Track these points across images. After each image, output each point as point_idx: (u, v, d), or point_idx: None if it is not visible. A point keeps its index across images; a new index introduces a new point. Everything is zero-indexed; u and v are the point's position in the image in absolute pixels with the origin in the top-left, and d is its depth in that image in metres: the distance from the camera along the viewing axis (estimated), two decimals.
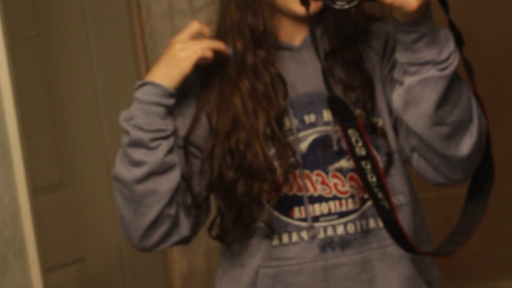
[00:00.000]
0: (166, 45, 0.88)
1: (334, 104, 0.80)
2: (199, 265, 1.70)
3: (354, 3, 0.75)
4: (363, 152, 0.78)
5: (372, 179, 0.78)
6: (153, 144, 0.82)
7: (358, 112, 0.86)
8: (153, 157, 0.82)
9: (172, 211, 0.83)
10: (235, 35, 0.88)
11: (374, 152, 0.81)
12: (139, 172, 0.82)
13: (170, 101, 0.84)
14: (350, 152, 0.79)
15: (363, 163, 0.79)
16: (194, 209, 0.86)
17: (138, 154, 0.82)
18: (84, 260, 1.76)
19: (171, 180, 0.83)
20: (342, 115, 0.79)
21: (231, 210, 0.86)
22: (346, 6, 0.74)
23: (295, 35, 0.91)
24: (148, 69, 1.52)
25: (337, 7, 0.75)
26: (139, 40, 1.85)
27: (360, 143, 0.78)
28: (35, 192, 1.36)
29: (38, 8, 1.73)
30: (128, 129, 0.82)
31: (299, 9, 0.81)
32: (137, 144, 0.82)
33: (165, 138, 0.83)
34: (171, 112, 0.85)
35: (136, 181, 0.82)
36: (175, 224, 0.84)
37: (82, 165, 1.79)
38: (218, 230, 0.90)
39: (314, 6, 0.80)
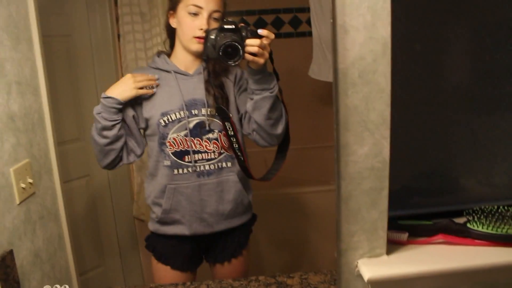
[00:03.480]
0: None
1: (220, 110, 1.56)
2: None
3: (237, 62, 1.43)
4: (232, 133, 1.56)
5: (236, 145, 1.57)
6: (112, 126, 1.57)
7: (230, 115, 1.58)
8: (113, 133, 1.57)
9: (122, 153, 1.62)
10: None
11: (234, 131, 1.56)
12: (105, 140, 1.58)
13: (120, 106, 1.56)
14: (226, 132, 1.57)
15: (232, 138, 1.56)
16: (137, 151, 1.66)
17: (105, 132, 1.57)
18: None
19: (121, 141, 1.59)
20: (224, 116, 1.56)
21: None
22: (233, 64, 1.44)
23: (190, 68, 1.64)
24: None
25: (231, 63, 1.43)
26: None
27: (231, 129, 1.55)
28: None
29: None
30: (98, 119, 1.57)
31: (194, 48, 1.57)
32: (104, 127, 1.56)
33: (118, 123, 1.57)
34: (120, 110, 1.57)
35: (104, 144, 1.59)
36: (121, 158, 1.63)
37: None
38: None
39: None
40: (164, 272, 1.73)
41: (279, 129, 1.57)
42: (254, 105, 1.53)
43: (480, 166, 1.10)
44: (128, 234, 2.63)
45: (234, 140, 1.57)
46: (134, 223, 2.65)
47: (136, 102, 1.63)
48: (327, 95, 3.47)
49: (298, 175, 3.27)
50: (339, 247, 0.81)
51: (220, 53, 1.42)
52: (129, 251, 2.62)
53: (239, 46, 1.41)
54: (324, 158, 3.50)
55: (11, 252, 1.38)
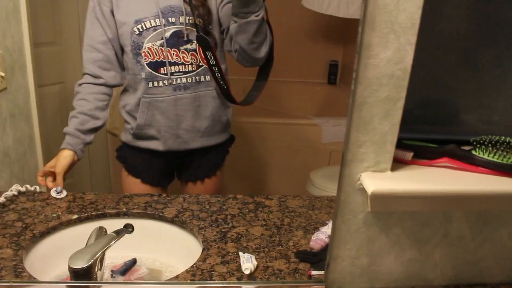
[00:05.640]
0: None
1: (200, 39, 1.46)
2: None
3: None
4: (214, 62, 1.47)
5: (218, 75, 1.49)
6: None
7: (210, 27, 1.50)
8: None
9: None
10: None
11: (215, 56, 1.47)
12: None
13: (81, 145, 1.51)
14: (206, 61, 1.48)
15: (213, 67, 1.48)
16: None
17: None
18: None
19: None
20: (204, 44, 1.46)
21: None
22: None
23: None
24: None
25: None
26: None
27: (212, 58, 1.46)
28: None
29: None
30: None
31: None
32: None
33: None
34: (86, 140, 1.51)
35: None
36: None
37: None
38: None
39: None
40: (134, 185, 1.67)
41: (262, 52, 1.48)
42: (237, 28, 1.43)
43: (483, 101, 1.07)
44: (99, 147, 2.56)
45: (216, 69, 1.48)
46: (106, 137, 2.57)
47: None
48: (315, 30, 3.44)
49: (275, 107, 3.24)
50: (345, 157, 0.77)
51: None
52: (98, 163, 2.57)
53: None
54: (303, 94, 3.49)
55: None
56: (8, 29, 1.47)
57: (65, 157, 1.45)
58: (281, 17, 3.13)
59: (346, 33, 3.35)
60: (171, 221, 1.28)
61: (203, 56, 1.47)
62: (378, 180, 0.78)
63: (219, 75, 1.48)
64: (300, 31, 3.36)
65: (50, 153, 1.85)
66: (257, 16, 1.39)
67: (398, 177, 0.82)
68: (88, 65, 1.51)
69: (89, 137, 1.51)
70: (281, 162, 2.71)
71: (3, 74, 1.42)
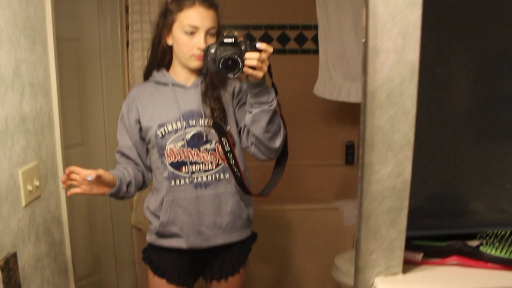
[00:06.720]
0: None
1: (216, 125, 1.54)
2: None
3: (237, 75, 1.41)
4: (228, 148, 1.54)
5: (232, 161, 1.55)
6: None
7: (228, 127, 1.60)
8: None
9: (143, 182, 1.69)
10: None
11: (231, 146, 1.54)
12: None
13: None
14: (222, 148, 1.55)
15: (228, 154, 1.54)
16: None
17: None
18: None
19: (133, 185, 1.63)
20: (220, 131, 1.53)
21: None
22: (233, 76, 1.41)
23: (187, 80, 1.64)
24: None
25: (230, 76, 1.41)
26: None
27: (227, 145, 1.53)
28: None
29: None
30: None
31: (193, 65, 1.58)
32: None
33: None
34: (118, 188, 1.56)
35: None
36: (145, 182, 1.70)
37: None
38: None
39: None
40: (160, 285, 1.71)
41: (277, 142, 1.56)
42: (252, 118, 1.52)
43: (491, 191, 1.11)
44: (124, 242, 2.62)
45: (231, 155, 1.55)
46: (132, 232, 2.63)
47: (136, 120, 1.65)
48: (329, 113, 3.56)
49: (295, 191, 3.29)
50: (357, 264, 0.82)
51: (220, 66, 1.40)
52: (124, 260, 2.61)
53: (238, 59, 1.39)
54: (322, 176, 3.55)
55: (15, 255, 1.36)
56: (43, 140, 1.59)
57: (107, 172, 1.51)
58: (296, 104, 3.29)
59: (360, 113, 3.45)
60: None
61: (219, 141, 1.55)
62: (390, 285, 0.82)
63: (233, 162, 1.55)
64: (315, 116, 3.48)
65: (78, 256, 1.91)
66: (270, 106, 1.49)
67: (409, 280, 0.86)
68: (120, 160, 1.68)
69: (124, 188, 1.59)
70: (305, 248, 2.71)
71: (38, 184, 1.52)
